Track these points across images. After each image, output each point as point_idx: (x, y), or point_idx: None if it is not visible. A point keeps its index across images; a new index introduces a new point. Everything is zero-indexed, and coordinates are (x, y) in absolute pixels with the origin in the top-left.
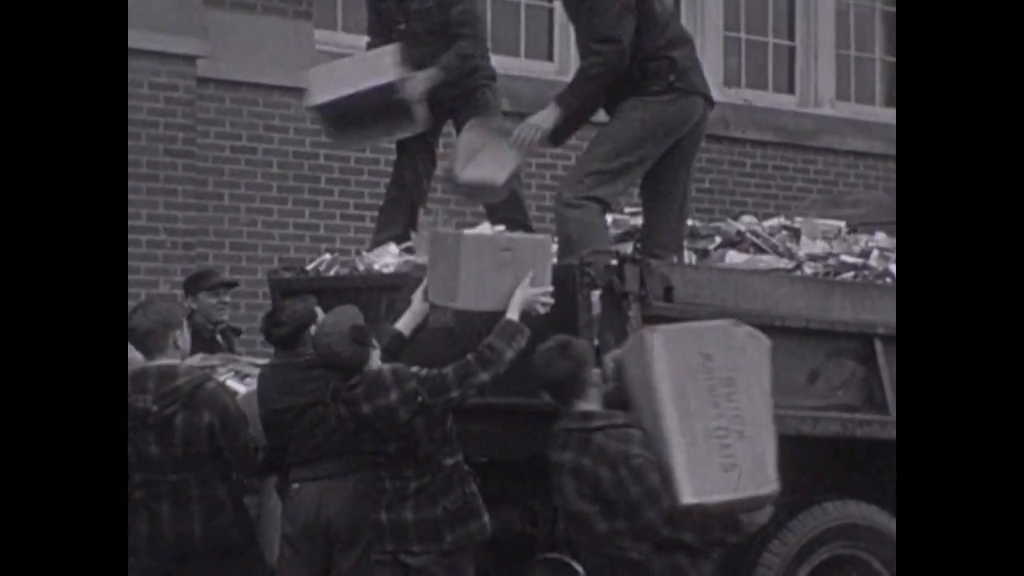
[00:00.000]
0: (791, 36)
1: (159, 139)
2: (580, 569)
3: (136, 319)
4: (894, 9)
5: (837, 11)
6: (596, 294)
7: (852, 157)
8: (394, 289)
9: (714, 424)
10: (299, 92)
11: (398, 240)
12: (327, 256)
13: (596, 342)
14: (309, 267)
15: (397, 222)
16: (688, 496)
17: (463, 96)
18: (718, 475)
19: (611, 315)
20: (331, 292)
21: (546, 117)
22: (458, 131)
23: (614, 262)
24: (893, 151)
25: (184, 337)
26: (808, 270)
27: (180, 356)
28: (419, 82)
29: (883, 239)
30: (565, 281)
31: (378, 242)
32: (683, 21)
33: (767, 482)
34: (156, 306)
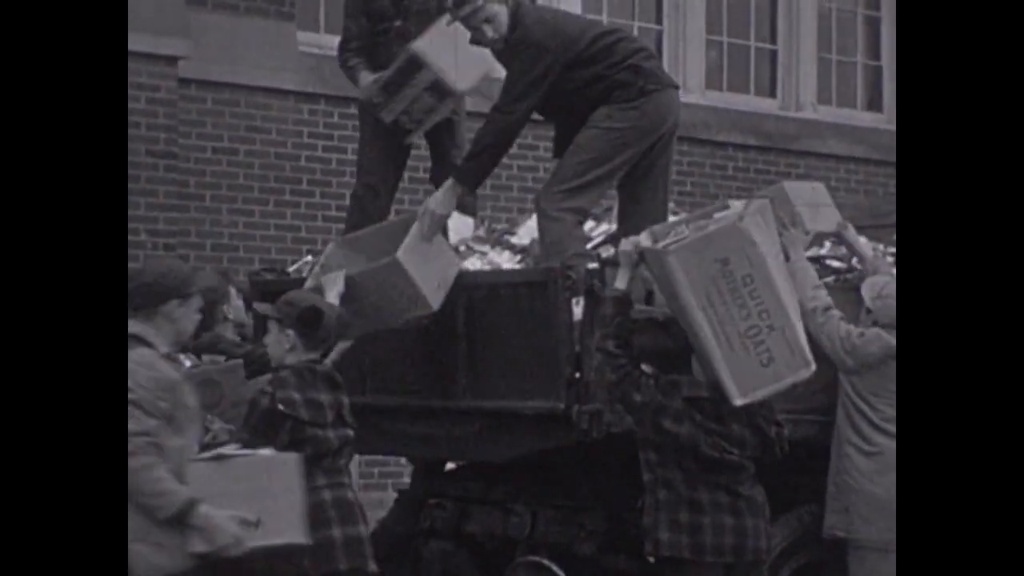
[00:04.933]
0: (773, 39)
1: (141, 140)
2: (561, 572)
3: None
4: (876, 13)
5: (819, 15)
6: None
7: (834, 160)
8: None
9: (744, 325)
10: (280, 93)
11: None
12: (309, 258)
13: (577, 347)
14: (291, 269)
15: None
16: (737, 398)
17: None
18: (758, 372)
19: (592, 318)
20: None
21: (444, 200)
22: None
23: (595, 265)
24: (875, 155)
25: (233, 307)
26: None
27: (232, 327)
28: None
29: (864, 243)
30: (546, 284)
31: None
32: (664, 24)
33: (805, 364)
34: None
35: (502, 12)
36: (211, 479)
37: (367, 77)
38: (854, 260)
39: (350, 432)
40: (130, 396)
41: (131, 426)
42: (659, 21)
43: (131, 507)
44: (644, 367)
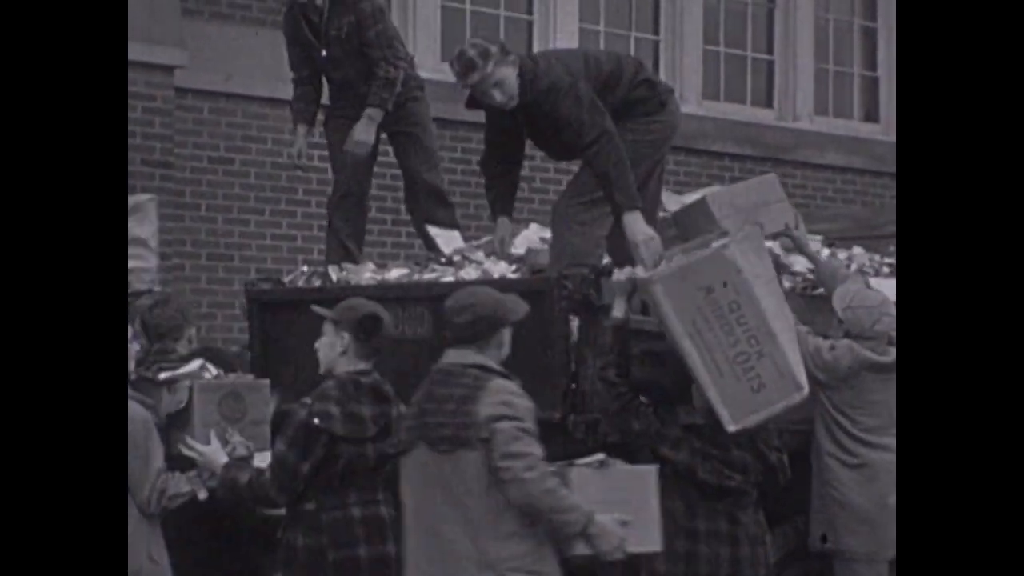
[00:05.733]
0: (770, 50)
1: (136, 149)
2: None
3: (155, 315)
4: (873, 24)
5: (816, 25)
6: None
7: (830, 171)
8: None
9: (733, 352)
10: (276, 103)
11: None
12: (304, 268)
13: (574, 358)
14: (287, 279)
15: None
16: (729, 425)
17: (393, 110)
18: (749, 397)
19: (589, 329)
20: (307, 304)
21: (640, 225)
22: (395, 149)
23: (591, 275)
24: (871, 165)
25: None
26: (787, 284)
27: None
28: (364, 135)
29: (860, 254)
30: (543, 293)
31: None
32: (661, 34)
33: (797, 388)
34: (174, 304)
35: (511, 74)
36: (593, 485)
37: (301, 131)
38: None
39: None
40: (523, 425)
41: (536, 451)
42: (656, 31)
43: (504, 535)
44: (643, 398)
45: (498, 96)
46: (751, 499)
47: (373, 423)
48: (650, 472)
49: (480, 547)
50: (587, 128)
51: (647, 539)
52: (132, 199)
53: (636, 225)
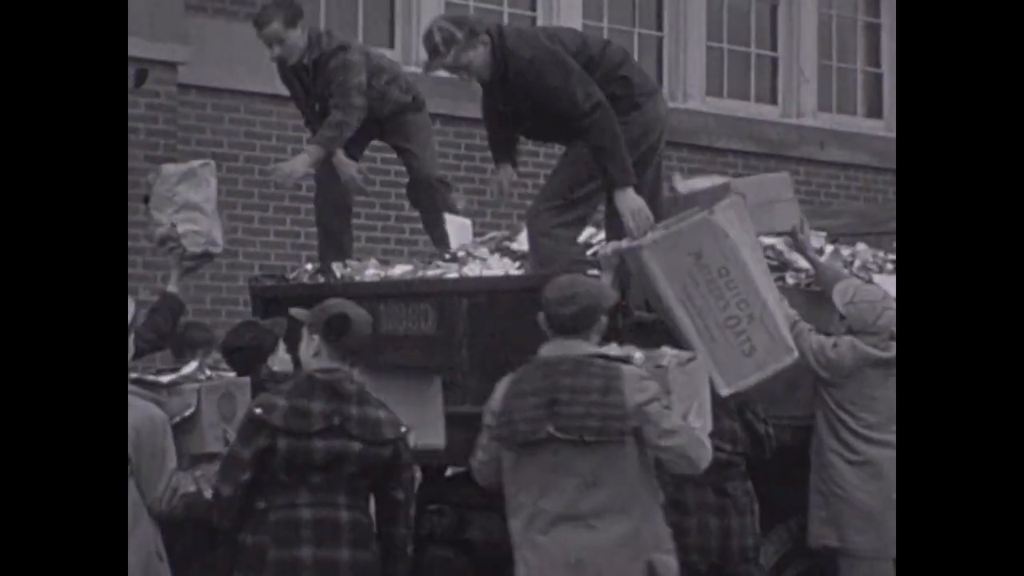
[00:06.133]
0: (773, 47)
1: (140, 145)
2: None
3: (191, 332)
4: (877, 20)
5: (819, 22)
6: None
7: (833, 168)
8: (374, 299)
9: (723, 316)
10: (280, 99)
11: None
12: (308, 265)
13: None
14: (291, 275)
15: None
16: (723, 389)
17: (390, 120)
18: (741, 361)
19: None
20: (311, 300)
21: (630, 197)
22: (397, 150)
23: (594, 272)
24: (874, 162)
25: (280, 358)
26: (790, 281)
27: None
28: (298, 166)
29: (863, 250)
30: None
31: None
32: (665, 30)
33: (787, 351)
34: (254, 329)
35: (479, 55)
36: (681, 382)
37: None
38: (853, 268)
39: (354, 445)
40: (665, 401)
41: (681, 421)
42: (660, 28)
43: (651, 518)
44: None
45: (463, 76)
46: (739, 470)
47: (323, 419)
48: (704, 364)
49: (633, 531)
50: (580, 99)
51: (706, 424)
52: (185, 166)
53: (626, 196)
